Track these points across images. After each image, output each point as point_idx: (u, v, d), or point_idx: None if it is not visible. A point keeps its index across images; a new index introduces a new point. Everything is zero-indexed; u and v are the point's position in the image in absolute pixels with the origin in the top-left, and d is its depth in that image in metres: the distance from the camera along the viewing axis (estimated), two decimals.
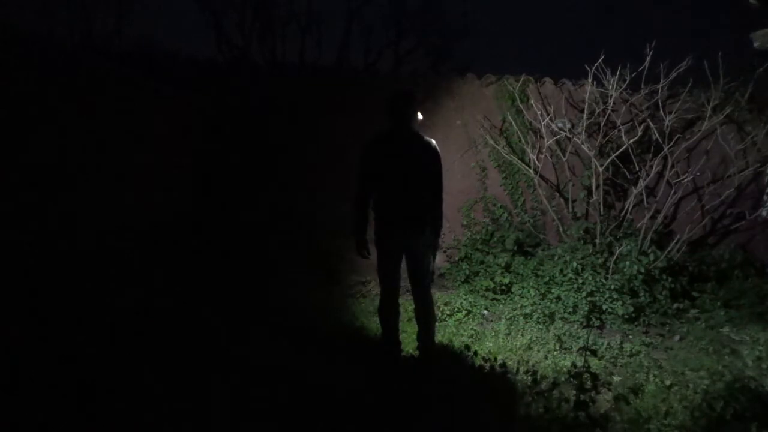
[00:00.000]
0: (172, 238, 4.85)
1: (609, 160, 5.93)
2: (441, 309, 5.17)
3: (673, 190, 5.81)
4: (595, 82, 6.13)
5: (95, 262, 3.66)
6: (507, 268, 5.81)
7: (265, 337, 3.60)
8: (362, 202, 3.55)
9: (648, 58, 5.74)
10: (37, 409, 2.14)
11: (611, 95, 5.97)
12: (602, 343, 4.35)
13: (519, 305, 5.11)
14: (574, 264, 5.24)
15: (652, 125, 5.91)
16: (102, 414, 2.26)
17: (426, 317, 3.69)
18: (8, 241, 3.05)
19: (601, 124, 6.11)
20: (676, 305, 5.00)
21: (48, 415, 2.15)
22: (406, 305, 4.45)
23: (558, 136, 6.27)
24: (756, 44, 4.16)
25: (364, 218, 3.56)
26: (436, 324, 3.88)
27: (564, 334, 4.49)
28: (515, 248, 6.13)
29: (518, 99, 6.52)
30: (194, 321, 3.53)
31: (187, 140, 6.09)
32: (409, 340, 4.10)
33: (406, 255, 3.64)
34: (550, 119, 6.29)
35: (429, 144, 3.53)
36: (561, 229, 6.17)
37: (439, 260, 6.72)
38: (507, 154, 6.50)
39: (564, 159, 6.35)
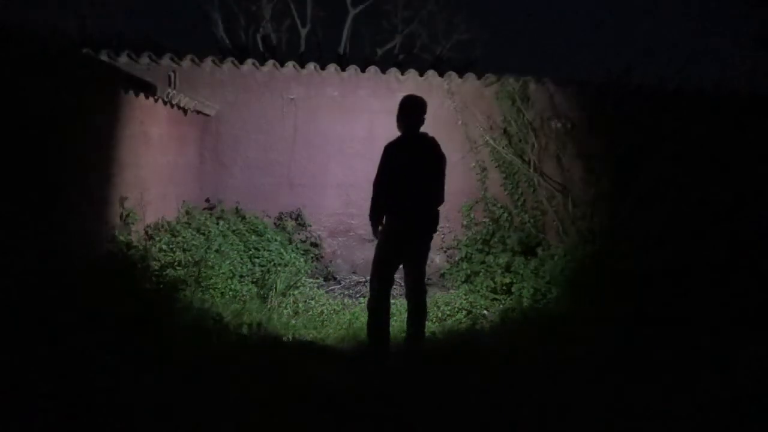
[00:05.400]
0: None
1: (608, 159, 5.94)
2: (441, 309, 5.18)
3: (673, 190, 5.81)
4: (595, 82, 6.14)
5: None
6: (507, 268, 5.82)
7: None
8: (383, 197, 3.71)
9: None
10: None
11: (611, 94, 5.97)
12: None
13: (519, 305, 5.11)
14: (574, 264, 5.24)
15: (652, 124, 5.91)
16: None
17: (421, 319, 3.82)
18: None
19: (601, 124, 6.12)
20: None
21: None
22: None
23: (558, 136, 6.28)
24: None
25: (383, 210, 3.74)
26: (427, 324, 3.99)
27: None
28: (515, 248, 6.14)
29: (518, 99, 6.52)
30: None
31: None
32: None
33: (411, 255, 3.77)
34: (550, 119, 6.29)
35: (437, 147, 3.81)
36: (561, 229, 6.17)
37: (439, 260, 6.73)
38: (507, 154, 6.51)
39: (564, 159, 6.36)
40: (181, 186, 5.89)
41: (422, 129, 3.83)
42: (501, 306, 5.26)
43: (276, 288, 5.05)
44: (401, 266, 3.88)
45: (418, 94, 6.06)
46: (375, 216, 3.77)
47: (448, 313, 5.12)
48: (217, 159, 6.61)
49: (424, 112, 3.77)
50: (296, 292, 5.26)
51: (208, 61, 6.54)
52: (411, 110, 3.74)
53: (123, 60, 6.27)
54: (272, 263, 5.52)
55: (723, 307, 4.37)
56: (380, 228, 3.76)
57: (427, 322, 4.14)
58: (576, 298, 4.97)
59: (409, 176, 3.67)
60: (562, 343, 4.25)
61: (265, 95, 6.64)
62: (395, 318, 4.95)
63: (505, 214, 6.67)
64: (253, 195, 6.60)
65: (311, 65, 6.69)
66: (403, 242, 3.74)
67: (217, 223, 5.78)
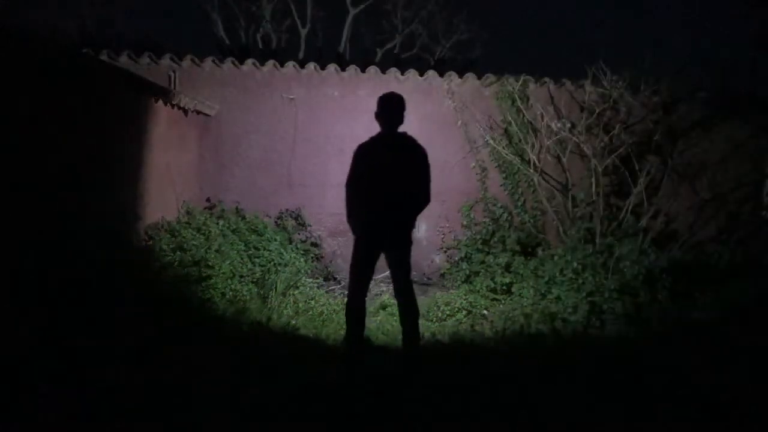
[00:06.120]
0: None
1: (609, 160, 5.94)
2: (441, 309, 5.18)
3: (674, 191, 5.82)
4: (595, 82, 6.15)
5: None
6: (507, 268, 5.81)
7: None
8: (356, 199, 3.67)
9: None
10: None
11: (611, 95, 5.98)
12: None
13: (519, 305, 5.11)
14: (574, 264, 5.24)
15: (652, 126, 5.92)
16: None
17: (412, 316, 3.73)
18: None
19: (602, 124, 6.12)
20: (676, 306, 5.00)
21: None
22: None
23: (558, 136, 6.28)
24: None
25: (359, 212, 3.67)
26: (420, 321, 3.92)
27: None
28: (515, 248, 6.13)
29: (518, 99, 6.52)
30: None
31: None
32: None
33: (390, 254, 3.68)
34: (550, 119, 6.29)
35: (419, 146, 3.66)
36: (561, 229, 6.17)
37: (439, 260, 6.74)
38: (507, 154, 6.51)
39: (564, 159, 6.36)
40: (181, 186, 5.89)
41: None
42: (501, 306, 5.26)
43: (276, 288, 5.05)
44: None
45: (418, 94, 6.05)
46: (352, 218, 3.71)
47: (448, 313, 5.12)
48: (217, 159, 6.61)
49: (404, 110, 3.64)
50: (296, 292, 5.25)
51: (208, 61, 6.54)
52: (390, 108, 3.62)
53: (123, 60, 6.27)
54: (272, 263, 5.52)
55: (726, 306, 4.38)
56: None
57: (421, 320, 4.09)
58: (576, 297, 4.97)
59: (382, 176, 3.57)
60: (562, 343, 4.25)
61: (265, 95, 6.64)
62: (395, 317, 4.94)
63: (505, 214, 6.67)
64: (253, 195, 6.60)
65: (311, 65, 6.69)
66: (378, 243, 3.66)
67: (217, 223, 5.78)
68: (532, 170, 6.36)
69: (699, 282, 5.44)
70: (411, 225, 3.72)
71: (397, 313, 4.85)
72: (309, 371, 3.44)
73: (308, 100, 6.67)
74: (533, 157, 6.37)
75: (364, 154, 3.66)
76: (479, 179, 6.76)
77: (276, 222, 6.59)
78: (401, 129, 3.67)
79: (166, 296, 3.87)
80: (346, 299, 3.79)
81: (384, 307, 5.29)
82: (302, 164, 6.69)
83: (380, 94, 3.72)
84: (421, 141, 3.70)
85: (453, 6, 12.54)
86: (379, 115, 3.66)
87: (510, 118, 6.58)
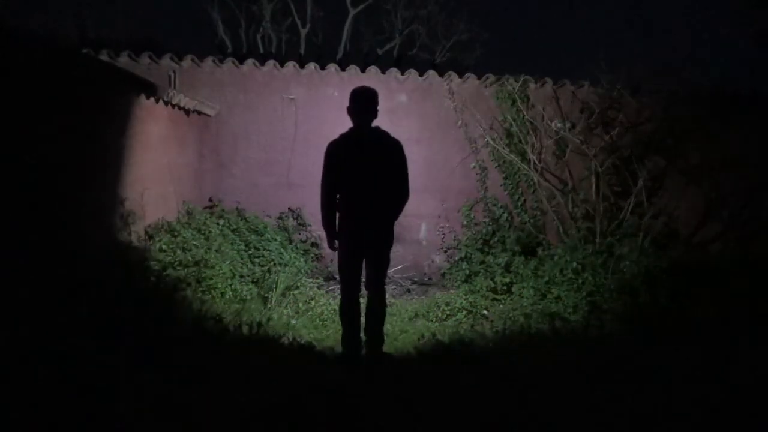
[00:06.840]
0: None
1: (609, 160, 5.93)
2: (441, 309, 5.18)
3: (675, 191, 5.81)
4: (595, 82, 6.14)
5: None
6: (507, 268, 5.81)
7: None
8: (332, 200, 3.59)
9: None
10: None
11: (611, 95, 5.97)
12: None
13: (519, 305, 5.11)
14: (574, 264, 5.24)
15: (652, 126, 5.91)
16: None
17: (379, 314, 3.72)
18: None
19: (602, 124, 6.12)
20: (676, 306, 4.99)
21: None
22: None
23: (558, 136, 6.28)
24: None
25: (334, 215, 3.61)
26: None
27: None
28: (515, 248, 6.13)
29: (518, 99, 6.51)
30: None
31: None
32: None
33: (369, 253, 3.65)
34: (551, 119, 6.29)
35: (393, 140, 3.58)
36: (561, 229, 6.17)
37: (439, 260, 6.74)
38: (507, 155, 6.51)
39: (564, 159, 6.36)
40: (181, 186, 5.89)
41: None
42: (501, 306, 5.26)
43: (276, 288, 5.05)
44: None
45: (418, 94, 6.06)
46: (327, 223, 3.60)
47: (448, 312, 5.12)
48: (217, 159, 6.62)
49: (377, 104, 3.56)
50: (296, 292, 5.26)
51: (209, 61, 6.54)
52: (363, 102, 3.54)
53: (123, 60, 6.27)
54: (272, 263, 5.52)
55: (726, 307, 4.37)
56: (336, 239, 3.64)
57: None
58: (576, 297, 4.97)
59: (359, 175, 3.50)
60: (562, 343, 4.25)
61: (265, 95, 6.64)
62: (395, 318, 4.96)
63: (505, 214, 6.67)
64: (253, 195, 6.60)
65: (311, 65, 6.69)
66: (362, 243, 3.61)
67: (218, 223, 5.78)
68: (532, 170, 6.36)
69: (699, 282, 5.44)
70: (392, 223, 3.68)
71: (396, 312, 4.88)
72: (309, 371, 3.44)
73: (308, 100, 6.68)
74: (533, 157, 6.37)
75: (337, 152, 3.58)
76: (479, 179, 6.76)
77: (276, 222, 6.59)
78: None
79: (167, 296, 3.87)
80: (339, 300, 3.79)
81: None
82: (302, 164, 6.69)
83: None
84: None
85: (453, 6, 12.54)
86: (352, 110, 3.56)
87: (510, 118, 6.58)
